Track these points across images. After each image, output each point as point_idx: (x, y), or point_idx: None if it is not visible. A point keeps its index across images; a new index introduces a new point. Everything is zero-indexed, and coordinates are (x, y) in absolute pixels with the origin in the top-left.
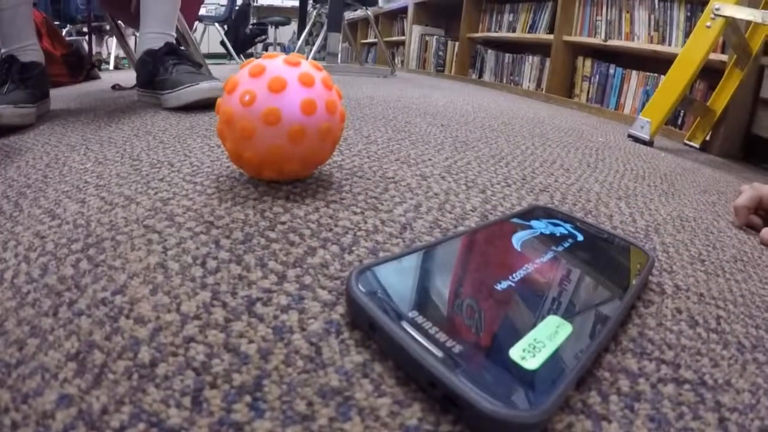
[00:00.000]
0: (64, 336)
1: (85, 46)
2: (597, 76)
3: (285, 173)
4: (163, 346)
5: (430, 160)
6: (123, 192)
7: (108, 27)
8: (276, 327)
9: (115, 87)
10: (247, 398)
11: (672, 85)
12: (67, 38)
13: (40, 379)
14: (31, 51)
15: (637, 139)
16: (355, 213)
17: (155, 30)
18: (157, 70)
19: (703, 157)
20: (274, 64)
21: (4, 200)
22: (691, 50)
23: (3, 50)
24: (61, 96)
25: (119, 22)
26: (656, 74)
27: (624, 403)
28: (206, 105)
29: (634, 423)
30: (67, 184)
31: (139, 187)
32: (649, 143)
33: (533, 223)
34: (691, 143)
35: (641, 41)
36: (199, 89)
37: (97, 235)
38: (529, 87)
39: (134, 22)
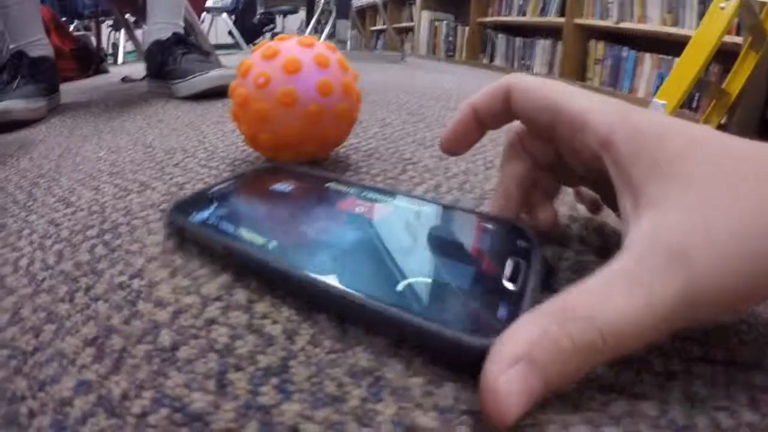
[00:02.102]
0: (82, 321)
1: (93, 40)
2: (610, 59)
3: (302, 155)
4: (183, 329)
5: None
6: (137, 178)
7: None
8: (300, 307)
9: (125, 79)
10: (274, 380)
11: (687, 67)
12: (75, 33)
13: (57, 366)
14: (39, 46)
15: None
16: None
17: (162, 20)
18: (166, 60)
19: None
20: (288, 45)
21: (17, 190)
22: (706, 32)
23: (12, 46)
24: (71, 90)
25: (127, 15)
26: (670, 57)
27: (657, 382)
28: (217, 93)
29: (669, 402)
30: (81, 173)
31: (154, 173)
32: None
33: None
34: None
35: (654, 23)
36: (210, 77)
37: (112, 220)
38: (540, 71)
39: (142, 14)
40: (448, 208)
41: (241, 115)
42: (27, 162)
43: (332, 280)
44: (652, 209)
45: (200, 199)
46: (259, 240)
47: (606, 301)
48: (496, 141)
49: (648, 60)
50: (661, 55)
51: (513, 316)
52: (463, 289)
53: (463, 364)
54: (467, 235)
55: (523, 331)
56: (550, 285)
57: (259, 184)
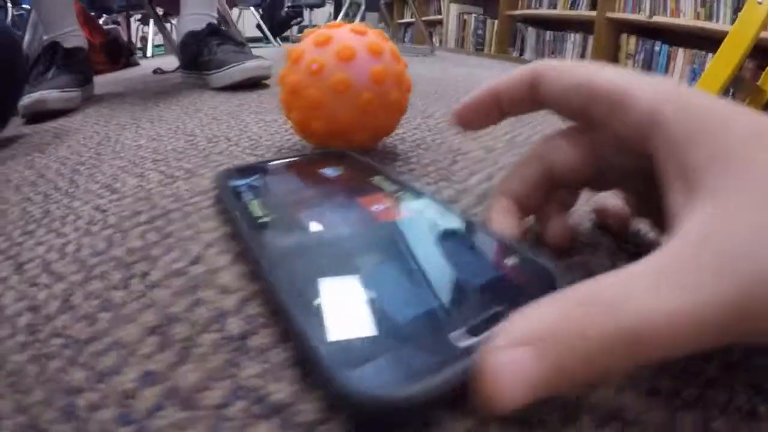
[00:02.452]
0: (139, 309)
1: (122, 34)
2: (642, 54)
3: (352, 144)
4: (252, 318)
5: (490, 133)
6: (182, 166)
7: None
8: None
9: (157, 71)
10: None
11: (723, 63)
12: (104, 27)
13: (116, 356)
14: (73, 37)
15: None
16: (428, 183)
17: (197, 11)
18: (201, 51)
19: None
20: (341, 32)
21: (58, 177)
22: (742, 27)
23: (45, 37)
24: (103, 82)
25: (158, 8)
26: (704, 52)
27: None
28: (253, 84)
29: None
30: (123, 160)
31: (199, 160)
32: None
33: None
34: None
35: (687, 17)
36: (246, 68)
37: (162, 207)
38: None
39: (174, 6)
40: (475, 230)
41: (293, 103)
42: (65, 150)
43: (268, 265)
44: (710, 201)
45: (247, 170)
46: (258, 212)
47: (642, 296)
48: (540, 135)
49: (681, 55)
50: (695, 50)
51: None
52: (400, 319)
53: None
54: (471, 263)
55: (539, 312)
56: None
57: (313, 165)
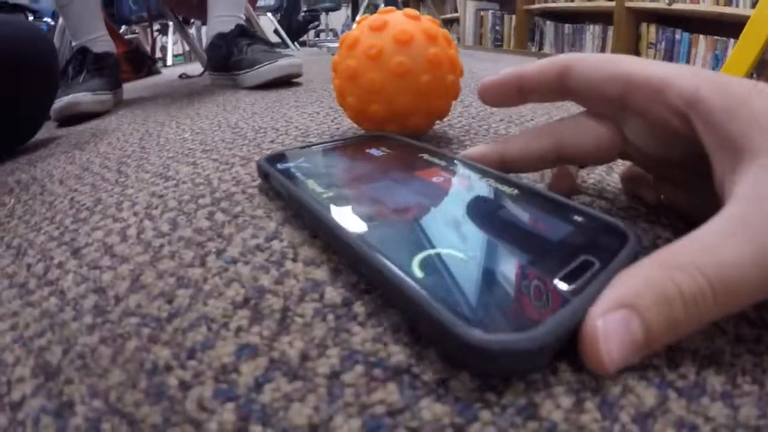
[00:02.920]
0: (223, 284)
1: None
2: (663, 43)
3: (408, 127)
4: (351, 286)
5: (532, 119)
6: (236, 154)
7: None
8: None
9: (183, 76)
10: None
11: (746, 49)
12: (126, 36)
13: (206, 331)
14: (102, 42)
15: None
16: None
17: (225, 13)
18: (231, 52)
19: None
20: (395, 17)
21: (104, 170)
22: (764, 10)
23: (74, 43)
24: (130, 89)
25: (180, 16)
26: (725, 38)
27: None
28: (285, 82)
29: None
30: (170, 152)
31: (251, 148)
32: None
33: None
34: None
35: (707, 3)
36: (279, 66)
37: (224, 190)
38: None
39: (198, 13)
40: (535, 194)
41: (350, 88)
42: (106, 146)
43: (354, 234)
44: (758, 160)
45: (291, 153)
46: (318, 189)
47: (716, 252)
48: None
49: (702, 42)
50: (716, 37)
51: (547, 318)
52: (500, 275)
53: (461, 357)
54: (542, 222)
55: (627, 279)
56: None
57: (357, 146)
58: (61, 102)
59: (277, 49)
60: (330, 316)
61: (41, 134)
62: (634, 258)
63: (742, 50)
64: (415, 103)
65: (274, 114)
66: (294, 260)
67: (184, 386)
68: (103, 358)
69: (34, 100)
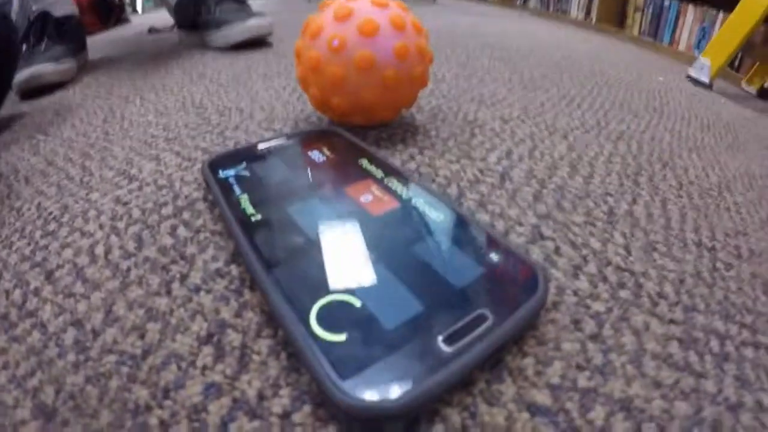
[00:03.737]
0: (188, 317)
1: None
2: (651, 8)
3: (374, 119)
4: None
5: (504, 99)
6: (198, 145)
7: None
8: None
9: (152, 30)
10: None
11: (736, 27)
12: None
13: (176, 369)
14: (63, 4)
15: (696, 81)
16: (451, 162)
17: None
18: (199, 10)
19: (761, 104)
20: (362, 5)
21: (68, 164)
22: None
23: (34, 8)
24: (97, 44)
25: None
26: (715, 11)
27: (716, 362)
28: (255, 43)
29: (724, 381)
30: (133, 140)
31: (214, 137)
32: (709, 86)
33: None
34: (748, 88)
35: None
36: (248, 27)
37: (186, 196)
38: (577, 16)
39: None
40: (461, 222)
41: (312, 79)
42: (70, 130)
43: (263, 269)
44: None
45: (235, 156)
46: (249, 210)
47: None
48: (552, 101)
49: (691, 12)
50: (705, 8)
51: (420, 382)
52: (387, 328)
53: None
54: (453, 260)
55: None
56: (499, 359)
57: (297, 148)
58: (22, 75)
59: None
60: (283, 355)
61: (5, 109)
62: (536, 313)
63: (731, 29)
64: (379, 97)
65: (241, 88)
66: (251, 288)
67: (164, 426)
68: (91, 398)
69: None
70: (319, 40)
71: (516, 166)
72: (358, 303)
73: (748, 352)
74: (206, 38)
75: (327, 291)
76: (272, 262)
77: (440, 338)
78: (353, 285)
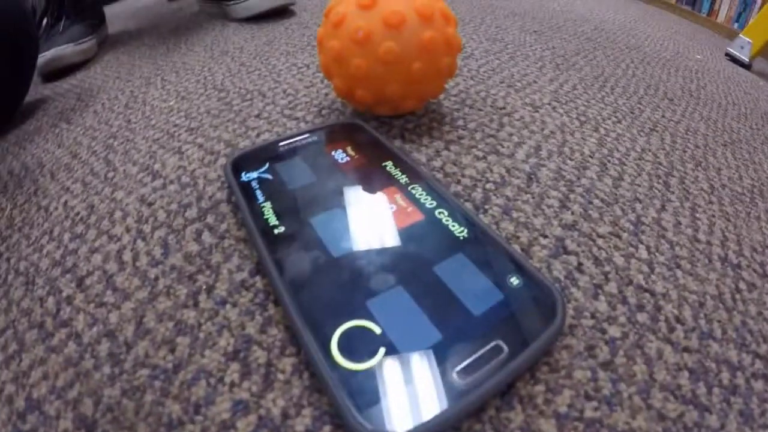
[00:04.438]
0: (216, 331)
1: None
2: None
3: (400, 110)
4: None
5: (535, 82)
6: (221, 136)
7: None
8: None
9: None
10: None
11: None
12: None
13: (206, 385)
14: None
15: (734, 60)
16: (478, 158)
17: None
18: None
19: None
20: None
21: (92, 157)
22: None
23: None
24: (115, 15)
25: None
26: None
27: (723, 395)
28: (277, 12)
29: (728, 416)
30: (156, 130)
31: (236, 127)
32: (748, 66)
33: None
34: None
35: None
36: None
37: (210, 196)
38: None
39: None
40: (484, 237)
41: (335, 70)
42: (92, 118)
43: (286, 290)
44: None
45: (257, 155)
46: (272, 221)
47: None
48: (584, 83)
49: None
50: None
51: (433, 415)
52: (405, 358)
53: None
54: (473, 283)
55: None
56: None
57: (320, 147)
58: (43, 58)
59: None
60: (306, 374)
61: (29, 95)
62: (552, 342)
63: None
64: (405, 90)
65: (263, 67)
66: (275, 303)
67: None
68: (128, 411)
69: (11, 74)
70: (342, 29)
71: (544, 165)
72: (378, 330)
73: (759, 384)
74: (227, 9)
75: (349, 316)
76: (296, 283)
77: (456, 370)
78: (375, 310)
